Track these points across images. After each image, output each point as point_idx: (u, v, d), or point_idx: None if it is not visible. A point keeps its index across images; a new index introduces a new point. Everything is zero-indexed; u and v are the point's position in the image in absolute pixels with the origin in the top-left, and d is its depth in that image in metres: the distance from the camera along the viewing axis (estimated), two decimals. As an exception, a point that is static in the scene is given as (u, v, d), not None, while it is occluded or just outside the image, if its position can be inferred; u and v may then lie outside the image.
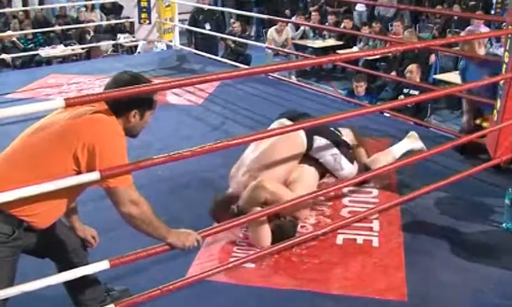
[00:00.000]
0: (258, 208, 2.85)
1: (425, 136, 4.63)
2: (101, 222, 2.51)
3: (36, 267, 2.13)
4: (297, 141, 3.15)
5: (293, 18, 10.35)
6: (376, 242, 3.01)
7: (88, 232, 2.31)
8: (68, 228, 2.25)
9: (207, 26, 8.22)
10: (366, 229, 3.10)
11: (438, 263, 2.85)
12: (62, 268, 2.14)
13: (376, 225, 3.16)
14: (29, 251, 2.07)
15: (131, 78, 2.05)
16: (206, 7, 8.44)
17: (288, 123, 3.15)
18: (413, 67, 6.42)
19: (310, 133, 3.17)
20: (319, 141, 3.21)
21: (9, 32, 9.69)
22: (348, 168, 3.29)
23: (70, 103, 1.84)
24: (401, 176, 3.73)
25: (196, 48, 7.94)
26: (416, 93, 5.93)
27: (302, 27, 10.08)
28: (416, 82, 6.16)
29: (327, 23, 10.42)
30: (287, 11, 12.15)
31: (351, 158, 3.35)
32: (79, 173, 1.91)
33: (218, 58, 7.62)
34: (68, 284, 2.20)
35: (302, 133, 3.15)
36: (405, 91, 6.36)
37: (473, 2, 10.34)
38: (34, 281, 1.93)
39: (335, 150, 3.24)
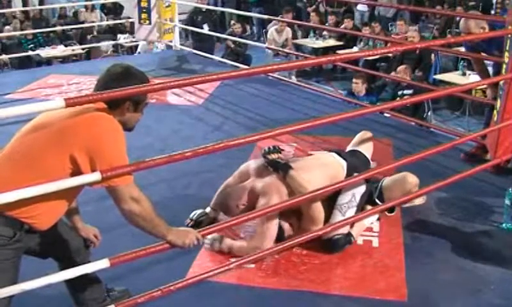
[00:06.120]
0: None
1: (425, 136, 4.65)
2: (102, 222, 2.51)
3: (36, 266, 2.13)
4: (340, 173, 3.03)
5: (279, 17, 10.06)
6: (376, 243, 3.01)
7: (91, 231, 2.32)
8: (70, 228, 2.25)
9: (205, 27, 8.07)
10: (366, 229, 3.09)
11: (438, 263, 2.85)
12: (65, 268, 2.13)
13: (376, 225, 3.17)
14: (31, 252, 2.07)
15: (124, 70, 2.06)
16: (204, 7, 8.37)
17: (338, 157, 3.11)
18: (400, 68, 6.51)
19: (351, 170, 3.05)
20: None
21: (10, 33, 9.69)
22: (347, 216, 2.93)
23: (70, 103, 1.83)
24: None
25: (193, 49, 7.89)
26: (410, 92, 5.98)
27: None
28: (408, 81, 6.21)
29: (327, 24, 10.39)
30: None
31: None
32: (75, 172, 1.89)
33: (218, 58, 7.62)
34: (70, 283, 2.21)
35: (345, 167, 3.07)
36: (399, 92, 6.42)
37: (472, 3, 10.33)
38: (35, 280, 1.92)
39: (357, 196, 2.98)
